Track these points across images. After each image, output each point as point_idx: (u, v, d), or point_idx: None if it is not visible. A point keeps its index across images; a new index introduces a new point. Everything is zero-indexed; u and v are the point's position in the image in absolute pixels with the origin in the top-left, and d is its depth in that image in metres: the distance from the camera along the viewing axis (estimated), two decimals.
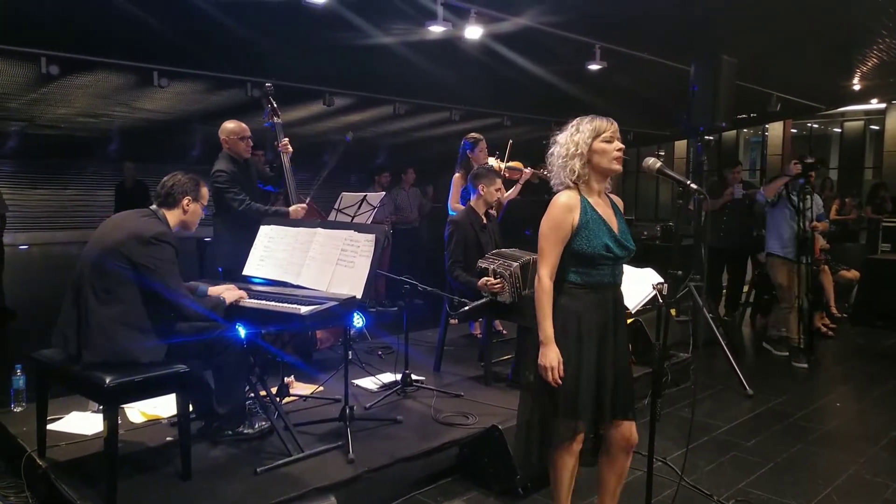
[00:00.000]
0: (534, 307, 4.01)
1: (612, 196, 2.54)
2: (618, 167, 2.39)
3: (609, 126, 2.37)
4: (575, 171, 2.36)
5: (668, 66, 6.11)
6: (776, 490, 3.27)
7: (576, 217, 2.34)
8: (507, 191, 5.32)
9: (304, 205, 4.28)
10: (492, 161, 5.22)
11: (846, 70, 7.32)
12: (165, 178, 3.09)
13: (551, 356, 2.32)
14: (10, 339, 6.32)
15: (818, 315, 6.83)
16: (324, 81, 6.23)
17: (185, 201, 3.06)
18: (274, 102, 4.40)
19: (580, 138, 2.35)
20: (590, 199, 2.40)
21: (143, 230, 2.86)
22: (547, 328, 2.34)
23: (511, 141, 5.40)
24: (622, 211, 2.54)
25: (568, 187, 2.40)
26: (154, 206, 3.05)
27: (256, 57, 5.28)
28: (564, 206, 2.35)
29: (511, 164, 5.34)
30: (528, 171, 5.35)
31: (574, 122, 2.41)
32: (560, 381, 2.32)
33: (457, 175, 5.19)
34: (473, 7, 4.59)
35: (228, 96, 6.16)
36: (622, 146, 2.37)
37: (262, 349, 3.65)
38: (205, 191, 3.16)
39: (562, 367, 2.32)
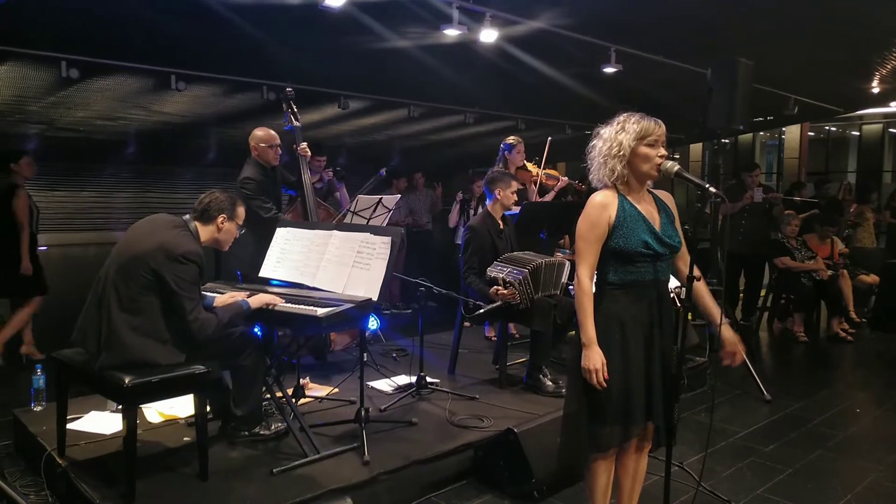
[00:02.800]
0: (543, 310, 4.04)
1: (656, 192, 2.48)
2: (656, 175, 2.33)
3: (656, 129, 2.30)
4: (615, 172, 2.31)
5: (683, 69, 6.07)
6: (795, 497, 3.23)
7: (612, 215, 2.30)
8: (541, 196, 5.45)
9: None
10: (529, 166, 5.44)
11: (865, 73, 7.23)
12: (203, 195, 3.10)
13: (595, 358, 2.27)
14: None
15: (837, 320, 6.77)
16: (339, 84, 6.24)
17: (221, 219, 3.08)
18: (294, 106, 4.45)
19: (624, 139, 2.28)
20: (628, 197, 2.35)
21: (173, 245, 2.87)
22: (589, 329, 2.29)
23: (550, 138, 5.54)
24: (672, 205, 2.48)
25: (606, 186, 2.37)
26: (187, 217, 3.06)
27: (273, 60, 5.30)
28: (600, 205, 2.32)
29: (548, 171, 5.51)
30: (564, 179, 5.57)
31: (620, 118, 2.34)
32: (605, 384, 2.28)
33: None
34: (489, 10, 4.59)
35: (245, 99, 6.19)
36: (665, 153, 2.32)
37: (279, 350, 3.67)
38: (241, 210, 3.17)
39: (606, 369, 2.28)
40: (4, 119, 6.58)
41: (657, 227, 2.36)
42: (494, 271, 4.14)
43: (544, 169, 5.54)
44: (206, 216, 3.06)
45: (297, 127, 4.48)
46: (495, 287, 4.09)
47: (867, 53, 6.40)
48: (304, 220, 4.49)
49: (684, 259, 2.48)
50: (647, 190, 2.44)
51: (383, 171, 4.89)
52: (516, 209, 4.80)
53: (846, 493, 3.29)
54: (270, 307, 3.11)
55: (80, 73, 4.91)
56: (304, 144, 4.48)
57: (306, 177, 4.53)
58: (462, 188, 7.77)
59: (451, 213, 7.49)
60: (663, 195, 2.50)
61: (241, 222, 3.18)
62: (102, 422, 3.46)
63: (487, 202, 4.58)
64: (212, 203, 3.07)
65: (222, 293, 3.23)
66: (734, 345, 2.41)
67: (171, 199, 8.97)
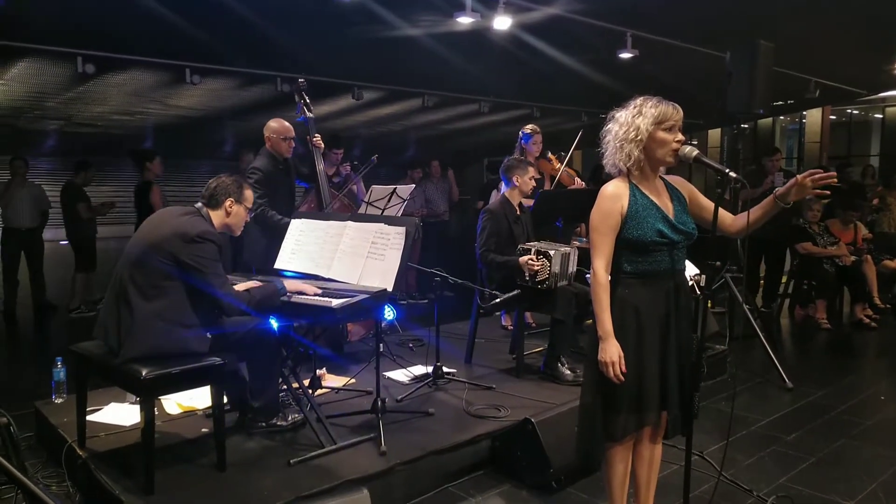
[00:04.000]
0: (566, 299, 4.00)
1: (668, 178, 2.43)
2: (671, 161, 2.28)
3: (674, 114, 2.25)
4: (631, 157, 2.26)
5: (702, 53, 5.97)
6: (819, 486, 3.18)
7: (624, 205, 2.27)
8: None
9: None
10: (553, 159, 5.46)
11: (888, 54, 7.06)
12: (211, 180, 3.11)
13: (611, 351, 2.23)
14: (52, 332, 6.49)
15: (860, 306, 6.66)
16: (352, 75, 6.23)
17: (228, 203, 3.07)
18: (306, 97, 4.44)
19: (642, 123, 2.23)
20: (640, 186, 2.31)
21: (187, 228, 2.88)
22: (605, 322, 2.26)
23: (581, 131, 5.54)
24: (684, 190, 2.42)
25: (620, 171, 2.32)
26: (199, 205, 3.08)
27: (286, 52, 5.30)
28: (612, 196, 2.28)
29: (568, 170, 5.54)
30: (579, 181, 5.59)
31: (637, 101, 2.29)
32: (622, 377, 2.23)
33: None
34: None
35: (259, 92, 6.20)
36: (682, 138, 2.26)
37: (295, 342, 3.67)
38: (248, 193, 3.16)
39: (623, 361, 2.24)
40: (24, 115, 6.65)
41: (670, 214, 2.32)
42: (527, 246, 4.13)
43: (566, 165, 5.54)
44: (213, 201, 3.06)
45: (311, 118, 4.48)
46: (526, 256, 4.05)
47: (890, 34, 6.25)
48: (319, 211, 4.48)
49: (728, 217, 2.41)
50: (659, 176, 2.39)
51: (375, 157, 4.88)
52: (529, 202, 4.77)
53: (871, 482, 3.23)
54: (303, 294, 3.09)
55: (95, 69, 4.95)
56: (318, 137, 4.47)
57: (320, 167, 4.52)
58: (476, 177, 7.72)
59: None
60: (675, 180, 2.45)
61: (250, 205, 3.17)
62: (122, 413, 3.50)
63: (505, 189, 4.55)
64: (218, 187, 3.07)
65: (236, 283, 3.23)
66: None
67: (189, 193, 9.03)
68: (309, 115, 4.47)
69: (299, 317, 3.31)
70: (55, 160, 11.36)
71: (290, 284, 3.13)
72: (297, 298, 3.11)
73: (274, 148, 4.34)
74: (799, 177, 2.25)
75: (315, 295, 3.09)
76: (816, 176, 2.21)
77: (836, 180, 2.21)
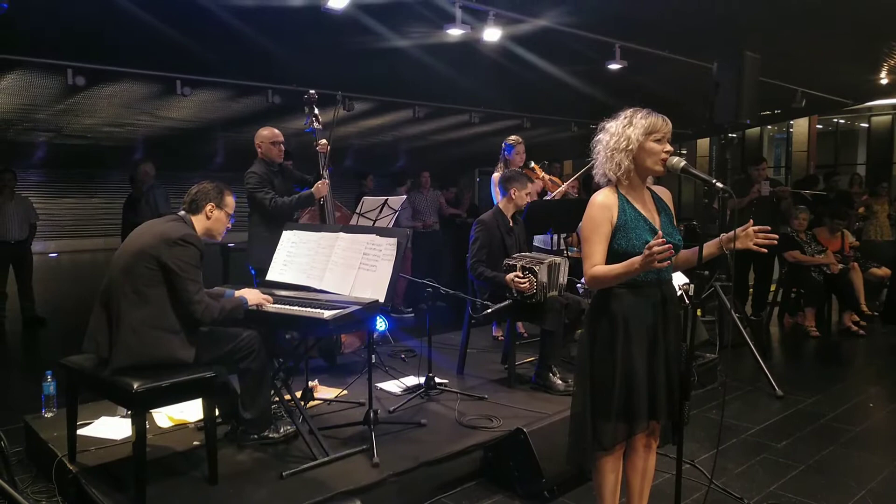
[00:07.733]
0: (555, 310, 4.02)
1: (654, 188, 2.46)
2: (660, 170, 2.31)
3: (663, 125, 2.29)
4: (621, 166, 2.29)
5: (689, 64, 6.05)
6: (808, 493, 3.20)
7: (614, 215, 2.29)
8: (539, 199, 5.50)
9: (325, 181, 4.38)
10: (536, 168, 5.53)
11: (873, 64, 7.17)
12: (192, 187, 3.14)
13: (643, 255, 2.13)
14: (41, 346, 6.44)
15: (848, 314, 6.71)
16: (343, 86, 6.27)
17: (209, 208, 3.09)
18: (316, 109, 4.48)
19: (632, 133, 2.27)
20: (628, 196, 2.34)
21: (171, 232, 2.91)
22: (619, 266, 2.20)
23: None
24: (669, 202, 2.47)
25: (609, 181, 2.35)
26: (182, 212, 3.10)
27: (277, 64, 5.32)
28: (602, 205, 2.30)
29: (553, 178, 5.64)
30: (563, 187, 5.62)
31: (627, 112, 2.33)
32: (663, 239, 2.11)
33: (496, 174, 5.34)
34: (492, 9, 4.59)
35: (249, 103, 6.23)
36: (670, 149, 2.30)
37: (287, 353, 3.67)
38: (229, 199, 3.18)
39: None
40: (13, 127, 6.63)
41: (657, 226, 2.35)
42: (512, 260, 4.14)
43: (549, 175, 5.63)
44: (194, 206, 3.09)
45: (319, 130, 4.51)
46: (513, 273, 4.07)
47: (875, 44, 6.35)
48: (321, 221, 4.50)
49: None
50: (647, 187, 2.43)
51: (326, 166, 4.86)
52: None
53: (860, 488, 3.25)
54: (261, 307, 3.12)
55: (86, 81, 4.95)
56: (324, 141, 4.50)
57: (325, 173, 4.52)
58: (466, 188, 7.75)
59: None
60: (661, 191, 2.49)
61: (230, 210, 3.19)
62: (112, 427, 3.47)
63: (500, 199, 4.57)
64: (199, 193, 3.10)
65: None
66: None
67: (180, 205, 9.01)
68: (317, 126, 4.50)
69: (292, 328, 3.31)
70: (44, 172, 11.32)
71: (252, 297, 3.13)
72: (285, 310, 3.11)
73: (266, 155, 4.42)
74: (751, 228, 2.32)
75: (267, 303, 3.14)
76: (760, 232, 2.30)
77: (776, 240, 2.32)
